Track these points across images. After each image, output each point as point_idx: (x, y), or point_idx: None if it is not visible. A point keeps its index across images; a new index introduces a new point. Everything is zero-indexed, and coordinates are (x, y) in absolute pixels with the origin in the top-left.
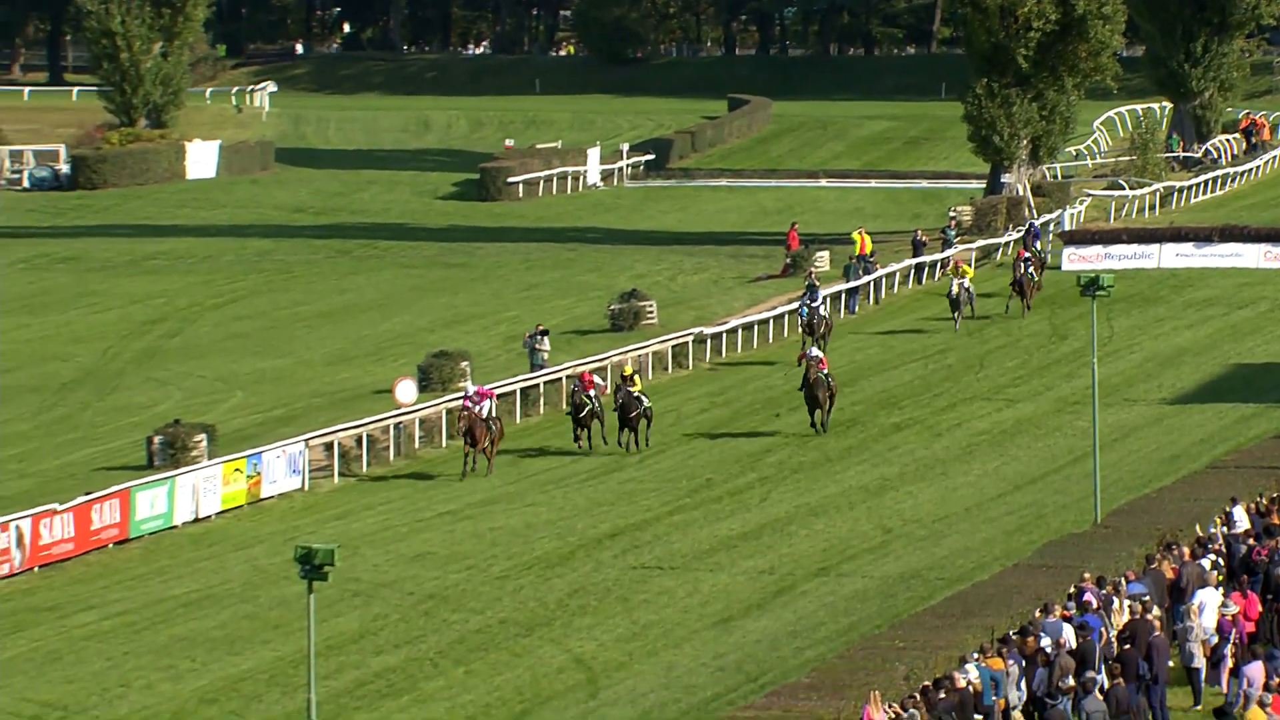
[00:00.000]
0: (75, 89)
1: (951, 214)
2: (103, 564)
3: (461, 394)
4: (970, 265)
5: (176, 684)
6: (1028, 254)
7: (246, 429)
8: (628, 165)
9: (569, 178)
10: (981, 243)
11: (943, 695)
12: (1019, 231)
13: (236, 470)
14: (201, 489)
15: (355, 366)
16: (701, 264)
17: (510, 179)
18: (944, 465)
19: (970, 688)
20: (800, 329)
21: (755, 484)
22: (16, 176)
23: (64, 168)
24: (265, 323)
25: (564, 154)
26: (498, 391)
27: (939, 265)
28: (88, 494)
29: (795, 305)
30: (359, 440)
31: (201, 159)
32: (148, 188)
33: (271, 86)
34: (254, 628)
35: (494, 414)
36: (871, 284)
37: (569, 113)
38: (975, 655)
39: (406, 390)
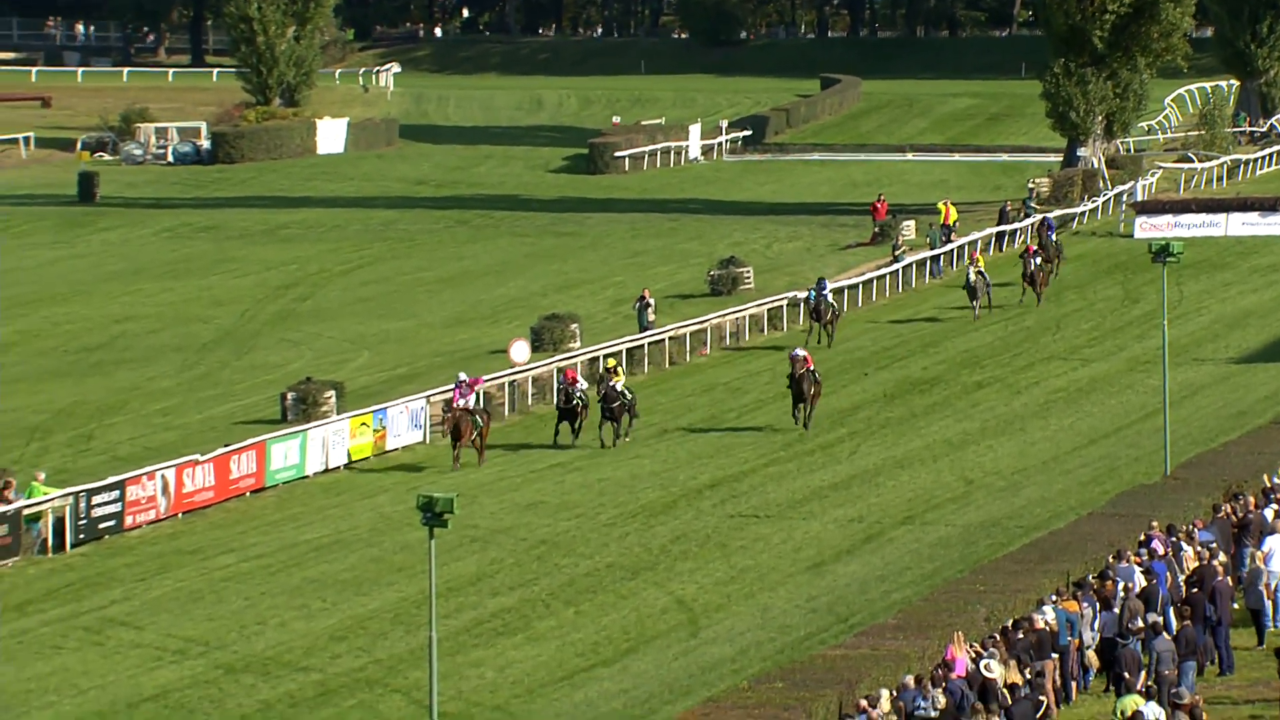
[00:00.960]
0: (215, 71)
1: (1030, 185)
2: (240, 511)
3: (455, 383)
4: (981, 254)
5: (309, 622)
6: (1035, 248)
7: (372, 386)
8: (726, 140)
9: (671, 152)
10: (1059, 212)
11: (1021, 635)
12: (1037, 216)
13: (363, 424)
14: (330, 442)
15: (473, 328)
16: (795, 233)
17: (617, 153)
18: (1022, 421)
19: (1047, 628)
20: (809, 316)
21: (845, 438)
22: (161, 152)
23: (205, 144)
24: (389, 287)
25: (667, 130)
26: (607, 350)
27: (1016, 235)
28: (227, 446)
29: (880, 271)
30: (478, 396)
31: (331, 135)
32: (281, 162)
33: (396, 68)
34: (379, 570)
35: (481, 405)
36: (955, 250)
37: (672, 91)
38: (1052, 598)
39: (520, 350)
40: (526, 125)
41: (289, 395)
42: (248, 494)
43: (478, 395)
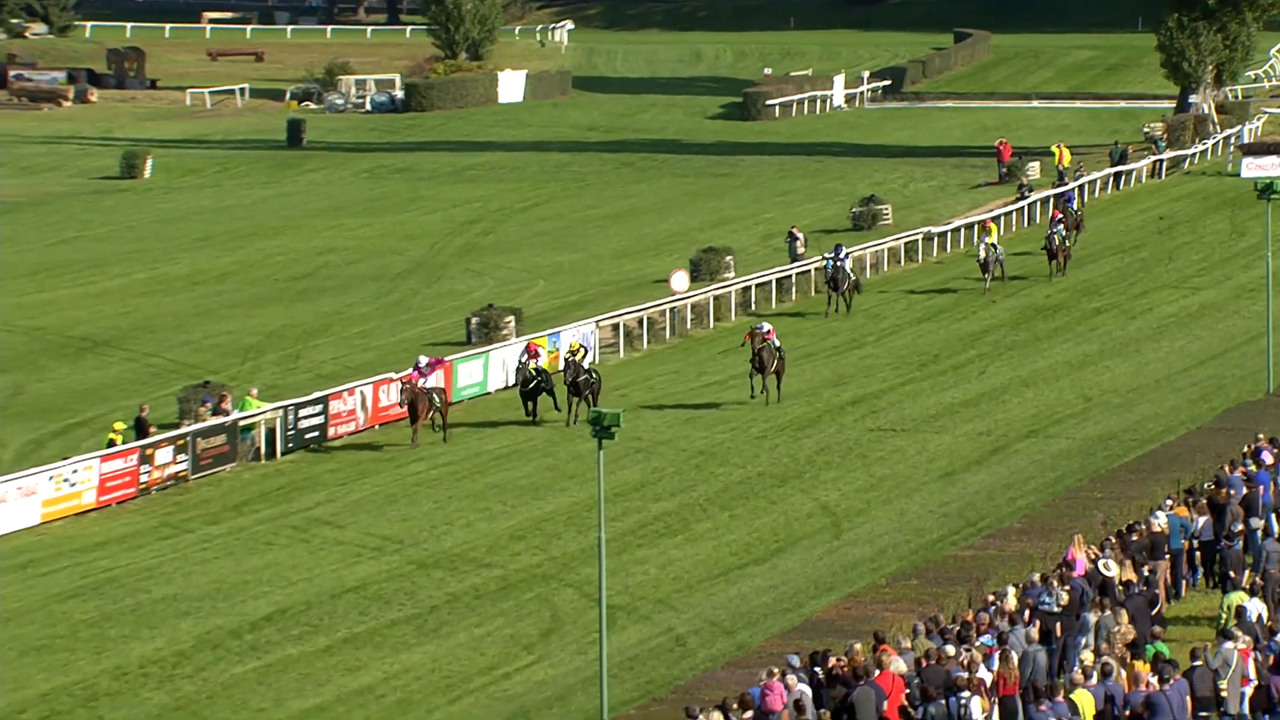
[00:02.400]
0: (409, 28)
1: (1146, 130)
2: (430, 423)
3: (414, 364)
4: (996, 225)
5: (491, 523)
6: (1060, 215)
7: (547, 311)
8: (867, 90)
9: (818, 100)
10: (1171, 154)
11: (1135, 538)
12: (1067, 186)
13: (539, 346)
14: (509, 361)
15: (637, 260)
16: (930, 173)
17: (768, 102)
18: (1137, 344)
19: (1160, 532)
20: (826, 285)
21: (975, 359)
22: (360, 101)
23: (399, 94)
24: (563, 223)
25: (814, 80)
26: (758, 280)
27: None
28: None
29: (1006, 209)
30: (640, 322)
31: (511, 86)
32: (466, 110)
33: (569, 25)
34: (554, 477)
35: (440, 386)
36: (1077, 189)
37: (818, 45)
38: (1165, 504)
39: (680, 280)
40: (686, 76)
41: (473, 320)
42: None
43: (438, 377)
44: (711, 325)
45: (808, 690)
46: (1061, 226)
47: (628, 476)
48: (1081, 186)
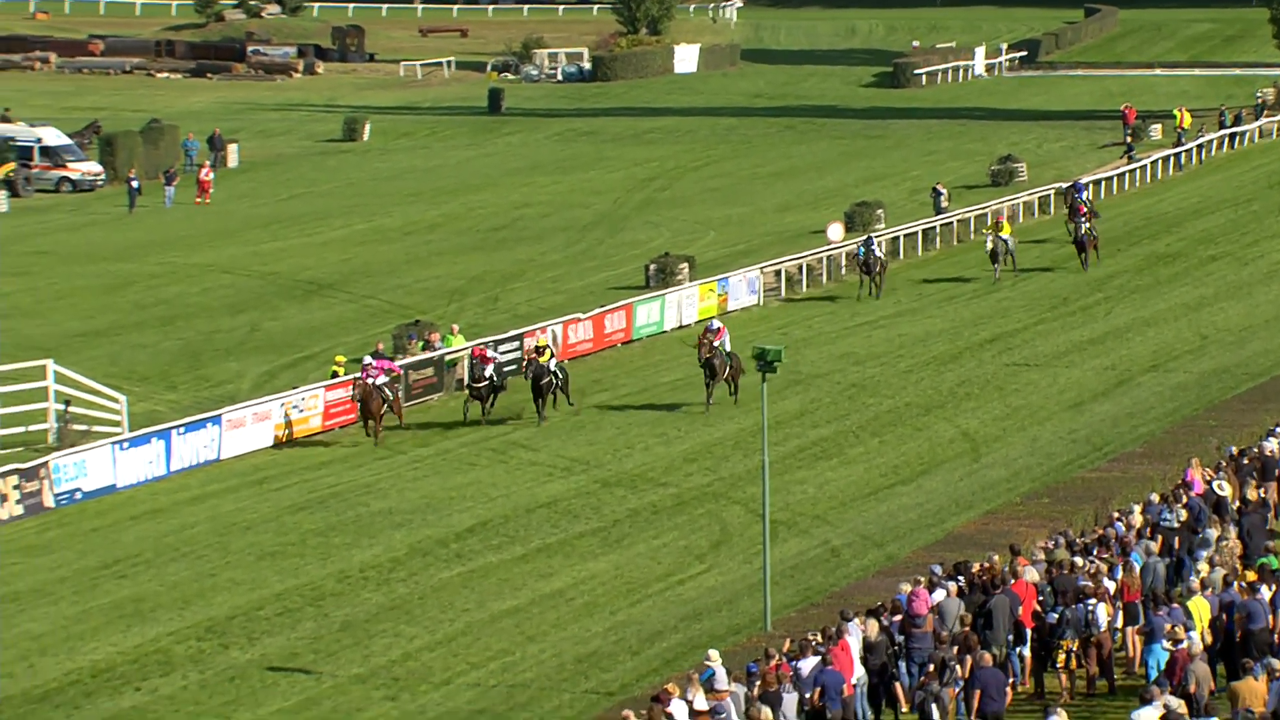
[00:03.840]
0: (596, 7)
1: (1258, 95)
2: (612, 358)
3: (363, 365)
4: (1009, 221)
5: (667, 447)
6: (1085, 210)
7: (717, 259)
8: (1005, 60)
9: (960, 70)
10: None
11: (1247, 461)
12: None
13: (709, 290)
14: (683, 303)
15: (797, 213)
16: (1061, 135)
17: (916, 71)
18: (1249, 287)
19: (1272, 455)
20: (859, 270)
21: (1101, 301)
22: (553, 72)
23: (587, 65)
24: (731, 180)
25: (957, 51)
26: (906, 231)
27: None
28: (602, 306)
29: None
30: (800, 268)
31: (686, 58)
32: (646, 80)
33: (738, 2)
34: (723, 406)
35: (389, 385)
36: (1195, 148)
37: (961, 20)
38: (1275, 430)
39: (835, 231)
40: (842, 49)
41: (651, 266)
42: (618, 345)
43: (386, 377)
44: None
45: (951, 596)
46: (1084, 219)
47: (788, 406)
48: (1078, 184)
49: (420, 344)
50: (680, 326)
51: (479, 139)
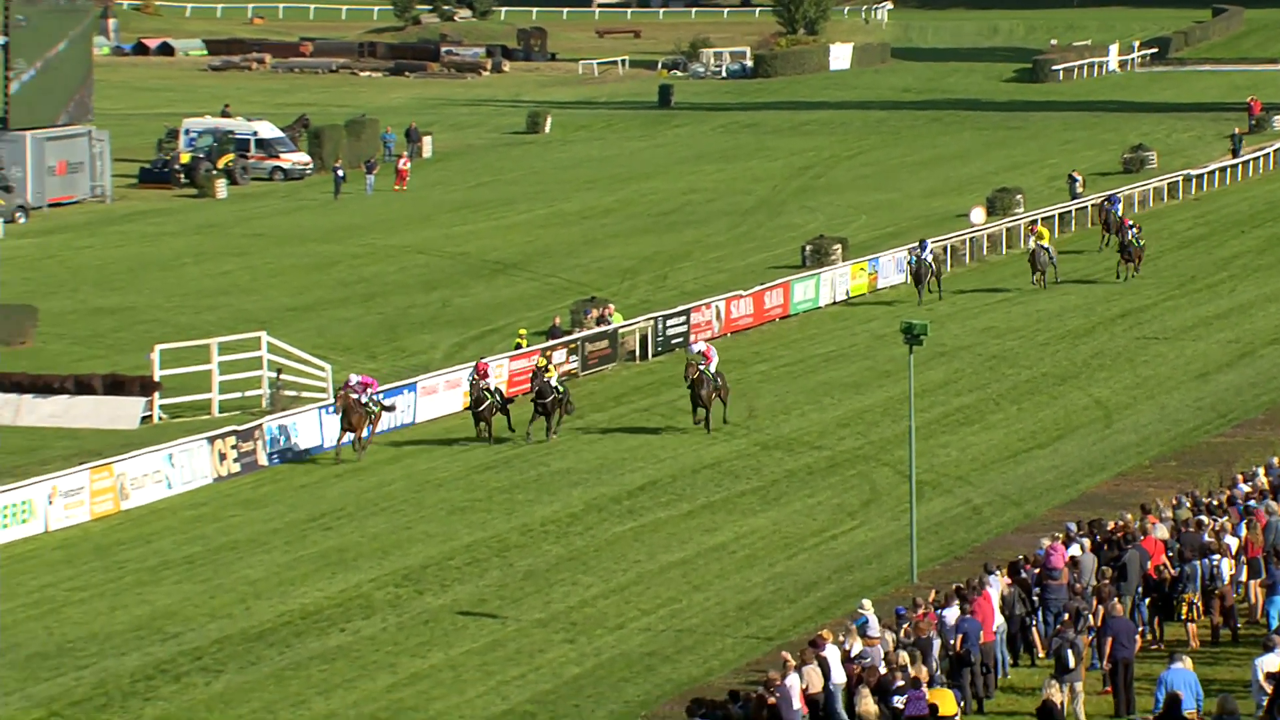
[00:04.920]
0: (757, 9)
1: None
2: (771, 332)
3: (345, 382)
4: (1047, 229)
5: (821, 413)
6: (1130, 221)
7: (868, 241)
8: (1137, 57)
9: (1095, 66)
10: None
11: None
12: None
13: (860, 269)
14: (837, 282)
15: (942, 198)
16: (1189, 125)
17: (1053, 67)
18: None
19: None
20: (910, 278)
21: (1226, 280)
22: (718, 69)
23: (749, 63)
24: (881, 168)
25: (1092, 49)
26: (1043, 215)
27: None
28: (762, 284)
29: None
30: (945, 249)
31: (840, 56)
32: (803, 77)
33: (889, 5)
34: (873, 376)
35: (372, 401)
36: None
37: (1096, 19)
38: None
39: (978, 214)
40: (985, 47)
41: (807, 247)
42: (776, 320)
43: (368, 394)
44: (1004, 251)
45: (1086, 551)
46: (1132, 228)
47: (933, 376)
48: (1114, 197)
49: (595, 319)
50: (834, 302)
51: (650, 131)
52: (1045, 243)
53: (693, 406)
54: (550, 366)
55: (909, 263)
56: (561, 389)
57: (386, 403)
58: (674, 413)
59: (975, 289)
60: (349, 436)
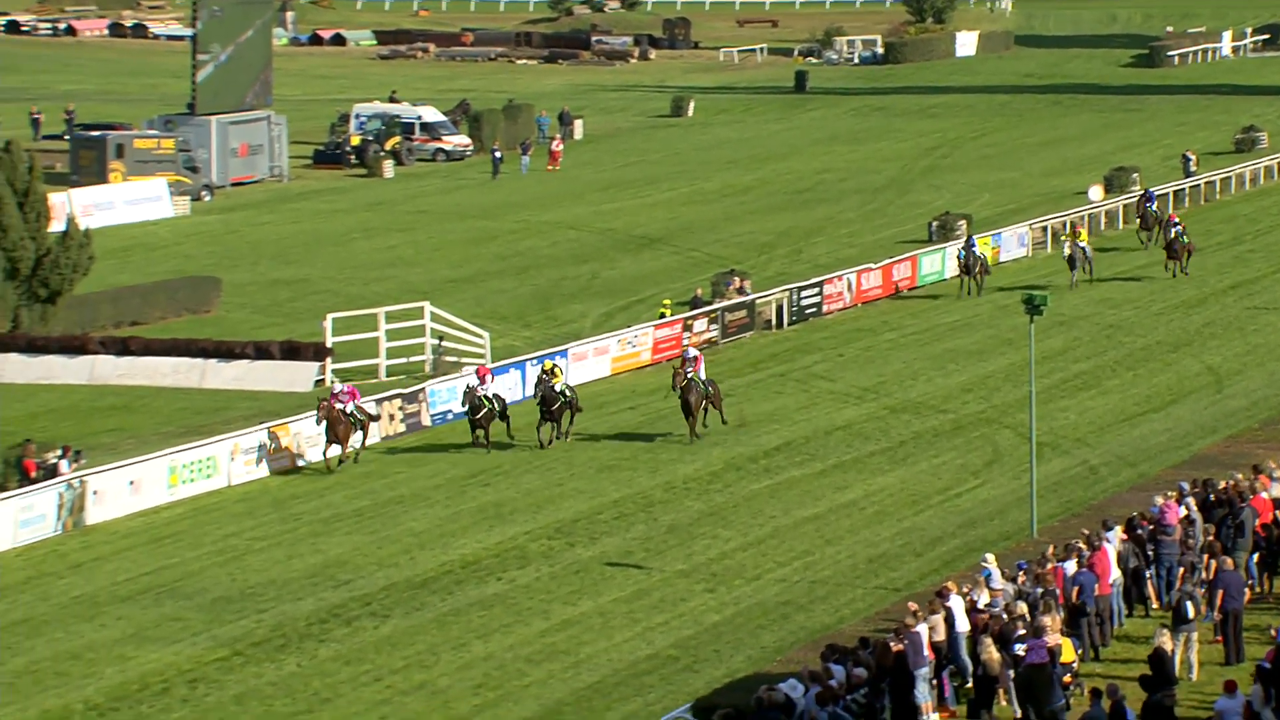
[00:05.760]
0: (888, 1)
1: None
2: (900, 304)
3: (330, 392)
4: (1085, 229)
5: (946, 378)
6: (1176, 217)
7: (991, 217)
8: (1250, 42)
9: (1209, 51)
10: None
11: None
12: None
13: (984, 243)
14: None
15: (1062, 177)
16: None
17: (1169, 53)
18: None
19: None
20: (960, 270)
21: None
22: (850, 56)
23: (880, 50)
24: (1004, 149)
25: (1206, 35)
26: (1158, 192)
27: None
28: (891, 258)
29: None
30: (1064, 224)
31: (965, 43)
32: (931, 63)
33: None
34: (995, 344)
35: (358, 411)
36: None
37: (1210, 7)
38: None
39: (1095, 192)
40: (1103, 34)
41: (933, 223)
42: (904, 291)
43: (353, 405)
44: (1120, 226)
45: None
46: (1180, 226)
47: (1053, 344)
48: (1149, 193)
49: (736, 289)
50: (958, 275)
51: (786, 114)
52: (1083, 242)
53: (685, 415)
54: (556, 370)
55: (958, 257)
56: (568, 393)
57: (372, 412)
58: (808, 378)
59: (1094, 261)
60: (335, 449)
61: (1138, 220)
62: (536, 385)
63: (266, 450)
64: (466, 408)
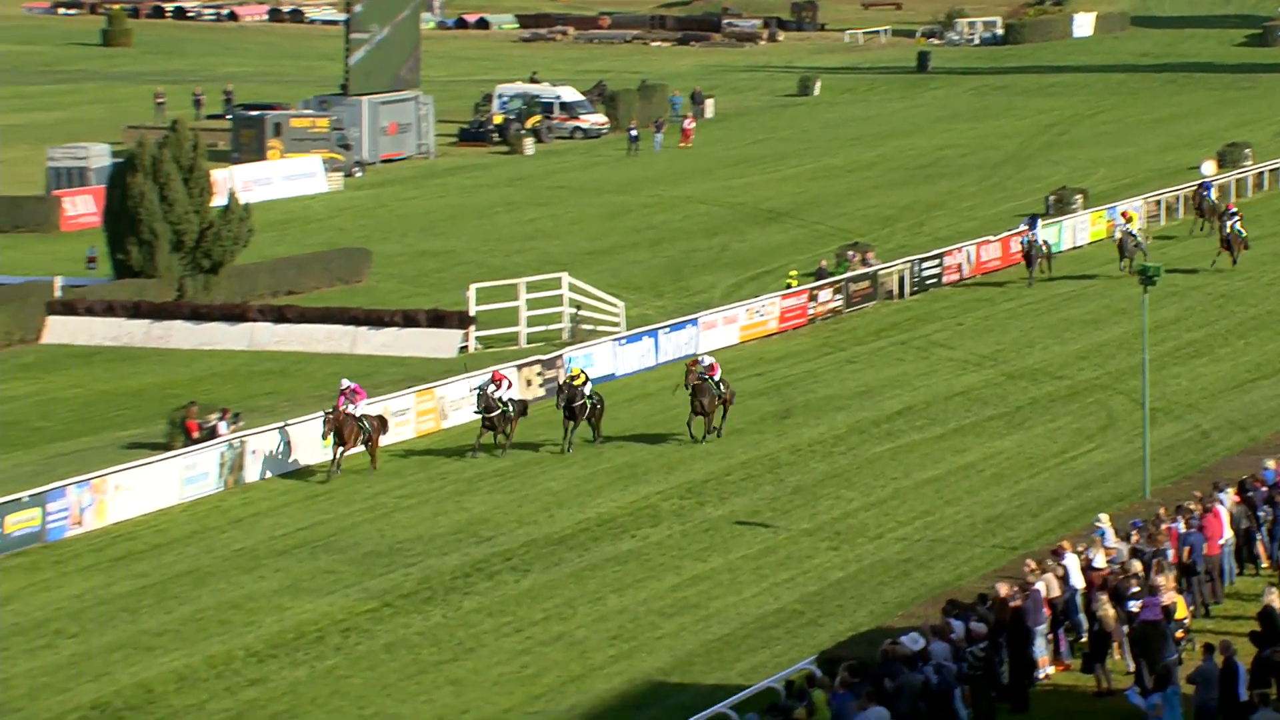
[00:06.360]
0: None
1: None
2: (1017, 273)
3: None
4: (1135, 214)
5: (1062, 346)
6: (1233, 207)
7: (1107, 191)
8: None
9: None
10: None
11: None
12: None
13: (1099, 216)
14: (1077, 228)
15: (1175, 153)
16: None
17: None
18: None
19: None
20: (1023, 256)
21: None
22: (971, 37)
23: (1000, 31)
24: (1119, 126)
25: None
26: (1270, 167)
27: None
28: (1009, 230)
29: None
30: (1177, 198)
31: (1083, 24)
32: (1049, 43)
33: None
34: (1109, 314)
35: (366, 413)
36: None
37: None
38: None
39: (1208, 167)
40: (1218, 14)
41: (1050, 197)
42: (1022, 263)
43: (361, 406)
44: (1233, 198)
45: None
46: (1237, 217)
47: (1166, 313)
48: (1207, 184)
49: (860, 260)
50: (1075, 247)
51: (909, 93)
52: (1133, 228)
53: (690, 420)
54: (582, 374)
55: (1021, 243)
56: (593, 397)
57: (373, 415)
58: (928, 346)
59: (1207, 233)
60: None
61: (1195, 208)
62: (559, 391)
63: (415, 413)
64: (481, 409)
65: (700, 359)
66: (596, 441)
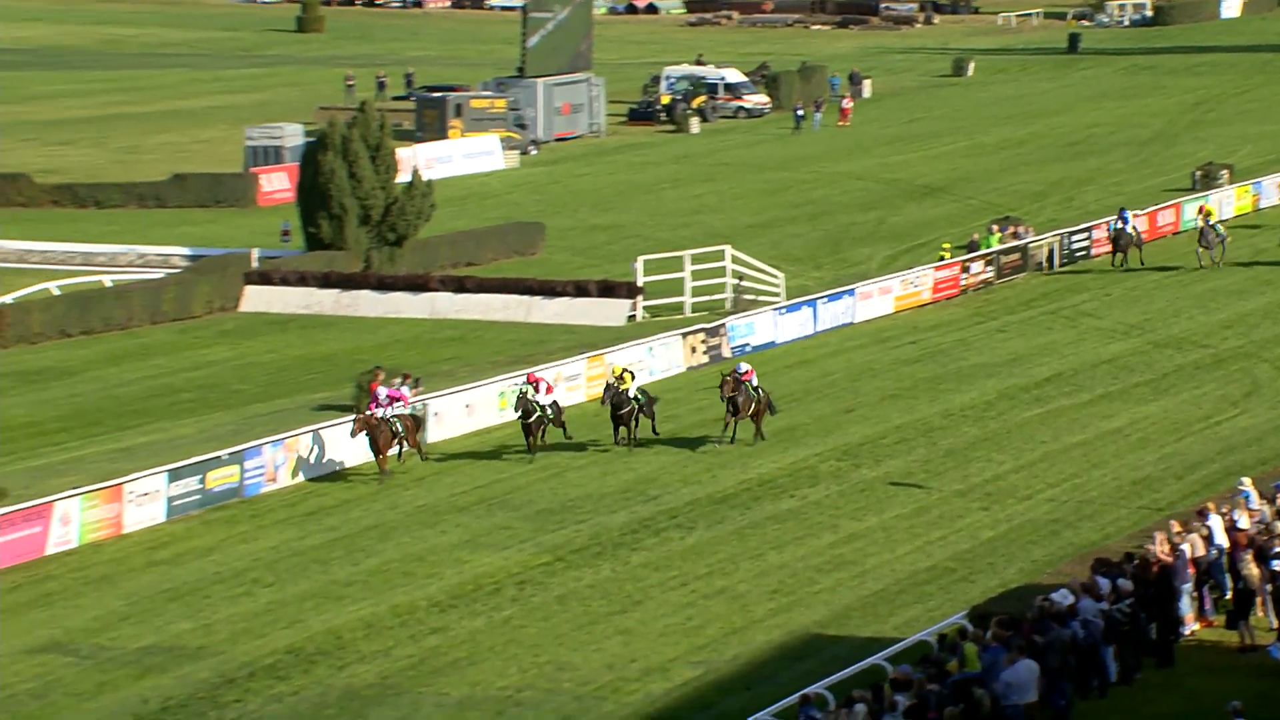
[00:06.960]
0: None
1: None
2: (1163, 245)
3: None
4: (1213, 207)
5: (1208, 315)
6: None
7: (1253, 167)
8: None
9: None
10: None
11: None
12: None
13: (1244, 191)
14: (1223, 202)
15: None
16: None
17: None
18: None
19: None
20: (1110, 243)
21: None
22: (1121, 19)
23: (1149, 13)
24: (1266, 104)
25: None
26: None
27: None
28: (1156, 205)
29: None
30: None
31: (1231, 5)
32: (1197, 24)
33: None
34: (1254, 284)
35: (401, 414)
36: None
37: None
38: None
39: None
40: None
41: (1197, 173)
42: (1169, 235)
43: (395, 408)
44: None
45: None
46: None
47: (1260, 303)
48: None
49: (1013, 233)
50: (1221, 220)
51: (1059, 73)
52: (1214, 221)
53: (726, 420)
54: (626, 376)
55: (1109, 230)
56: (640, 399)
57: (406, 415)
58: (1077, 315)
59: None
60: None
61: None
62: (605, 391)
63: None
64: (519, 412)
65: (738, 366)
66: (622, 444)
